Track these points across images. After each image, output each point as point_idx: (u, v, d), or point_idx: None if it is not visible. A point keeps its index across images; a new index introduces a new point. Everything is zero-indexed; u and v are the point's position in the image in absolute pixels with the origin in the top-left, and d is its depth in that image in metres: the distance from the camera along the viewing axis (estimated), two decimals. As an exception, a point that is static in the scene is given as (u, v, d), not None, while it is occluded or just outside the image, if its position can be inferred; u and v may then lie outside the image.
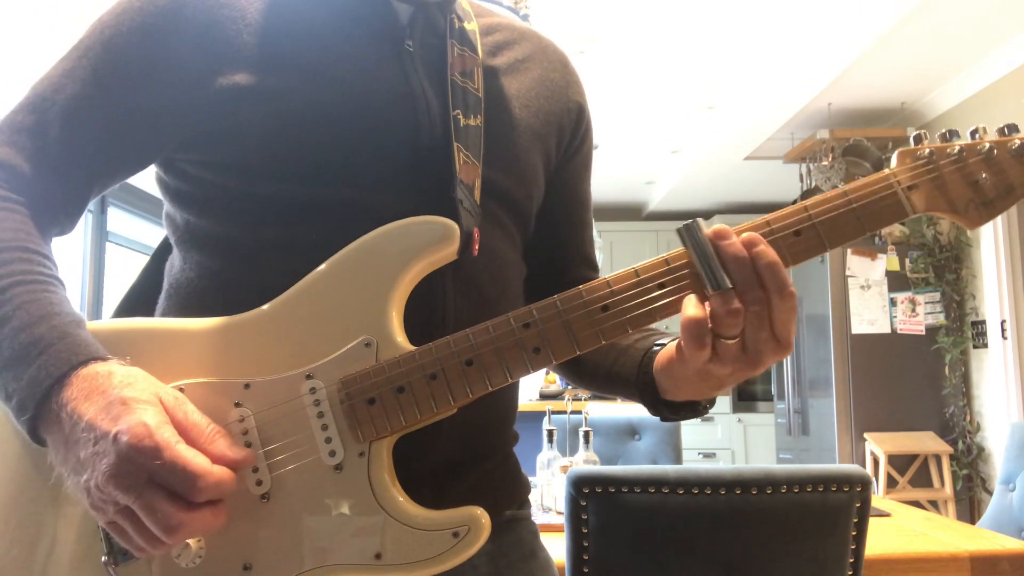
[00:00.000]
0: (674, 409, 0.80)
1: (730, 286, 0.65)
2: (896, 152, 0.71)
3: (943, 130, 0.71)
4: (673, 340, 0.78)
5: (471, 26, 0.87)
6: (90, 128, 0.75)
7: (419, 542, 0.67)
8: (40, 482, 0.70)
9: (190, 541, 0.66)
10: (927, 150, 0.70)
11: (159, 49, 0.75)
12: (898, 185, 0.69)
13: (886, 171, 0.71)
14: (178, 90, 0.75)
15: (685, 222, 0.68)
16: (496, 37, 0.90)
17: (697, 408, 0.79)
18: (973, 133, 0.71)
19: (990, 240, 4.30)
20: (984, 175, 0.69)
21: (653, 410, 0.81)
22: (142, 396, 0.63)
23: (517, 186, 0.84)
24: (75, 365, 0.64)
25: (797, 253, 0.68)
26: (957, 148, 0.70)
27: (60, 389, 0.63)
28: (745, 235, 0.66)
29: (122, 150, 0.77)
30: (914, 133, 0.71)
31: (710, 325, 0.65)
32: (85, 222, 5.04)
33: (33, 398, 0.64)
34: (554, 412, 2.56)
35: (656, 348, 0.80)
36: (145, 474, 0.60)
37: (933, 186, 0.70)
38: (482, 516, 0.68)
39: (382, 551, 0.67)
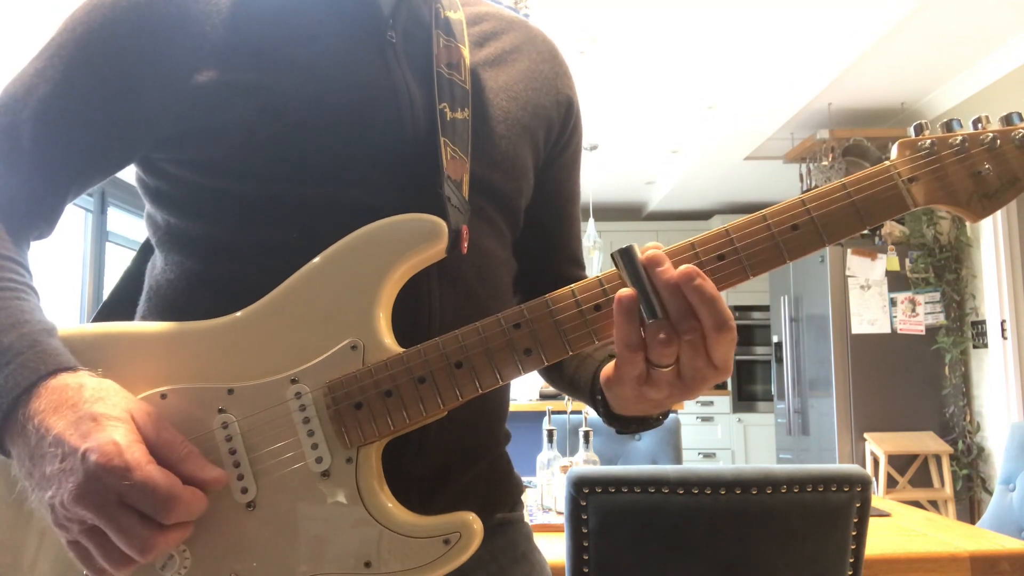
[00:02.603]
0: (624, 423, 0.77)
1: (661, 316, 0.62)
2: (896, 143, 0.69)
3: (945, 120, 0.69)
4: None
5: (457, 15, 0.84)
6: (64, 129, 0.73)
7: (409, 549, 0.65)
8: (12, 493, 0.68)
9: (175, 553, 0.65)
10: (928, 141, 0.68)
11: (131, 46, 0.72)
12: (898, 177, 0.67)
13: (886, 163, 0.68)
14: (152, 88, 0.72)
15: (622, 247, 0.64)
16: (483, 27, 0.88)
17: (648, 422, 0.77)
18: (976, 123, 0.69)
19: (990, 240, 4.30)
20: (987, 166, 0.67)
21: (606, 421, 0.79)
22: (113, 412, 0.61)
23: (506, 181, 0.81)
24: (43, 375, 0.62)
25: (794, 248, 0.66)
26: (959, 139, 0.68)
27: (28, 400, 0.61)
28: (683, 267, 0.62)
29: (98, 150, 0.75)
30: (915, 124, 0.69)
31: (644, 351, 0.63)
32: (85, 222, 5.03)
33: (0, 408, 0.62)
34: (554, 412, 2.56)
35: (610, 359, 0.77)
36: (114, 495, 0.58)
37: (934, 178, 0.68)
38: (474, 522, 0.66)
39: (371, 559, 0.65)
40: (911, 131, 0.70)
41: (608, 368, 0.72)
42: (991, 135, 0.68)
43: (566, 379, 0.87)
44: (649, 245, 0.65)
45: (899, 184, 0.67)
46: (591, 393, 0.80)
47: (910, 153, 0.68)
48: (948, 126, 0.69)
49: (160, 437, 0.62)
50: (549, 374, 0.91)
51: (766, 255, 0.66)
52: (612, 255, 0.64)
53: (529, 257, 0.91)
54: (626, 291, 0.63)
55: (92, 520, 0.58)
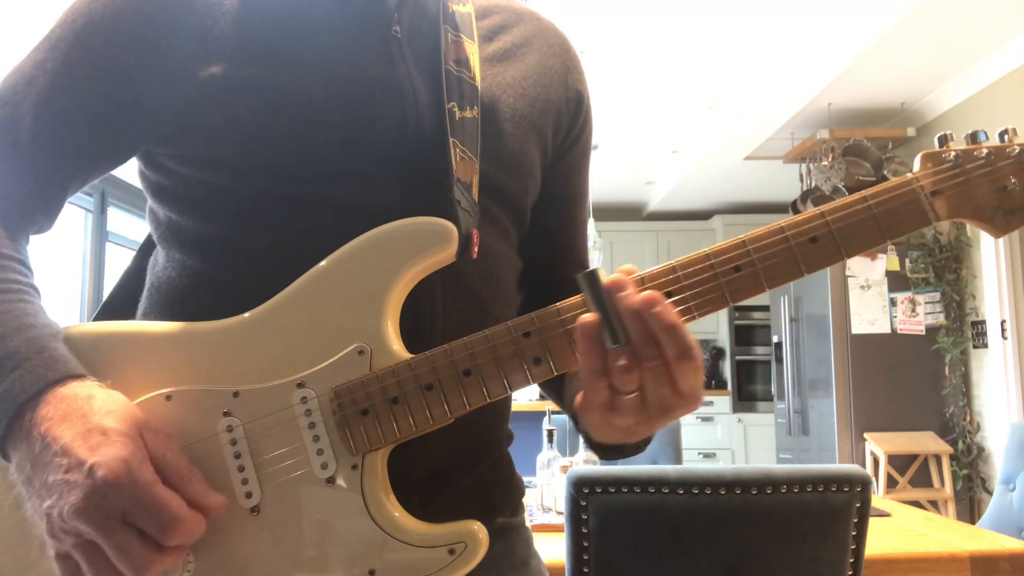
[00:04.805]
0: (603, 450, 0.75)
1: (624, 342, 0.60)
2: (919, 155, 0.68)
3: (971, 131, 0.67)
4: None
5: (465, 8, 0.83)
6: (63, 122, 0.72)
7: (414, 559, 0.65)
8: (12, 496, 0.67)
9: None
10: (952, 153, 0.67)
11: (132, 39, 0.71)
12: (921, 191, 0.66)
13: (908, 175, 0.67)
14: (153, 82, 0.71)
15: (586, 270, 0.63)
16: (492, 20, 0.86)
17: (624, 450, 0.75)
18: (1002, 135, 0.67)
19: (990, 240, 4.30)
20: (1013, 180, 0.65)
21: (588, 446, 0.76)
22: (123, 428, 0.60)
23: (513, 181, 0.80)
24: (51, 382, 0.61)
25: (812, 261, 0.65)
26: (985, 151, 0.66)
27: (35, 406, 0.60)
28: (645, 293, 0.61)
29: (97, 145, 0.74)
30: (939, 135, 0.68)
31: (607, 377, 0.62)
32: (85, 222, 5.02)
33: (5, 413, 0.61)
34: (554, 412, 2.56)
35: None
36: (118, 512, 0.57)
37: (958, 192, 0.66)
38: (480, 532, 0.66)
39: (376, 567, 0.65)
40: (935, 142, 0.68)
41: (580, 394, 0.71)
42: (1018, 148, 0.66)
43: (555, 396, 0.86)
44: (620, 269, 0.63)
45: (921, 197, 0.66)
46: (574, 416, 0.78)
47: (933, 166, 0.67)
48: (974, 137, 0.67)
49: (166, 458, 0.61)
50: (546, 390, 0.89)
51: (783, 267, 0.65)
52: (576, 278, 0.63)
53: (532, 258, 0.89)
54: (587, 316, 0.62)
55: (90, 535, 0.57)
